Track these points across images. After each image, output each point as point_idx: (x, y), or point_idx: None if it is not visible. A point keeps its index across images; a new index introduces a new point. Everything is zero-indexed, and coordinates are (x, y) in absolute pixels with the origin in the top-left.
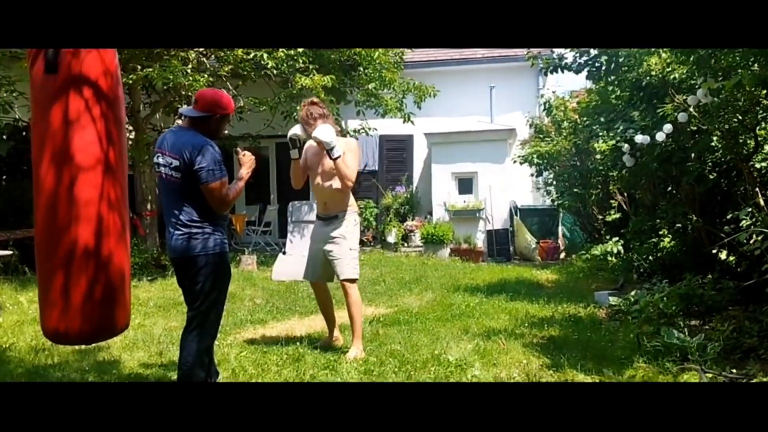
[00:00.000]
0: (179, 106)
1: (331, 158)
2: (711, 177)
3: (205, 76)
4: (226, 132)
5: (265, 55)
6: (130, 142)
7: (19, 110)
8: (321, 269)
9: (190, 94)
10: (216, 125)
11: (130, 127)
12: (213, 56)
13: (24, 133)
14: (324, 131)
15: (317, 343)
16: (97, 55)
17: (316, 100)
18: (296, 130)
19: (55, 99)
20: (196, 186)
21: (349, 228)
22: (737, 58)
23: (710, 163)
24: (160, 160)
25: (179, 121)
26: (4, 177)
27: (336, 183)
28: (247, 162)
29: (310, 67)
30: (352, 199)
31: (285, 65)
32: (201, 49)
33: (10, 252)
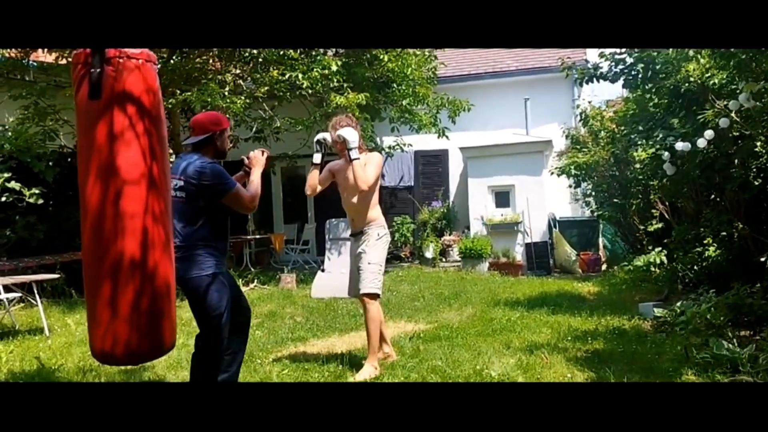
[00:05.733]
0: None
1: (348, 159)
2: (756, 183)
3: (242, 98)
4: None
5: (300, 76)
6: (171, 164)
7: (64, 137)
8: (356, 285)
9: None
10: (218, 143)
11: (171, 150)
12: (249, 78)
13: (69, 160)
14: (348, 131)
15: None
16: (139, 74)
17: (350, 115)
18: (324, 134)
19: (100, 117)
20: (194, 208)
21: (371, 242)
22: None
23: (755, 169)
24: (171, 184)
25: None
26: (51, 202)
27: (357, 197)
28: (256, 164)
29: (344, 85)
30: (377, 213)
31: (319, 85)
32: (237, 72)
33: (57, 275)
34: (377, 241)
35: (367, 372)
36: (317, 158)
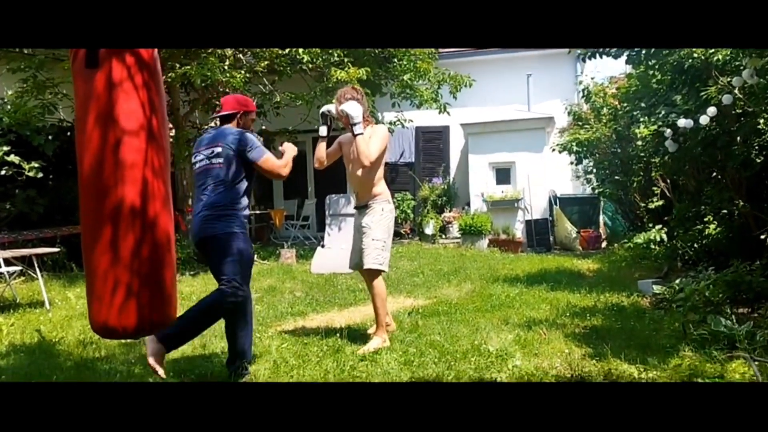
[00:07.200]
0: (217, 103)
1: (352, 134)
2: (758, 161)
3: (242, 72)
4: (264, 127)
5: (300, 50)
6: (170, 140)
7: (64, 111)
8: (358, 259)
9: (227, 90)
10: (242, 122)
11: (170, 125)
12: (249, 53)
13: (69, 134)
14: (352, 106)
15: (369, 330)
16: None
17: (356, 87)
18: (329, 106)
19: (98, 69)
20: (232, 172)
21: (375, 218)
22: None
23: (757, 147)
24: (198, 158)
25: (213, 123)
26: (51, 176)
27: (362, 171)
28: (288, 151)
29: (345, 60)
30: (382, 188)
31: (320, 59)
32: None
33: (57, 249)
34: (381, 217)
35: (377, 344)
36: (323, 131)
